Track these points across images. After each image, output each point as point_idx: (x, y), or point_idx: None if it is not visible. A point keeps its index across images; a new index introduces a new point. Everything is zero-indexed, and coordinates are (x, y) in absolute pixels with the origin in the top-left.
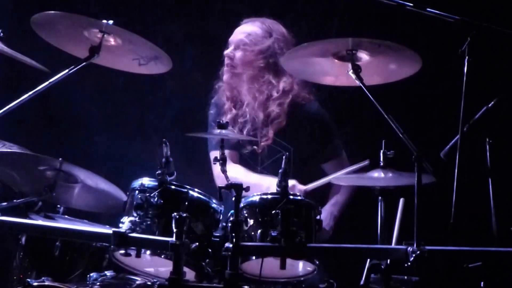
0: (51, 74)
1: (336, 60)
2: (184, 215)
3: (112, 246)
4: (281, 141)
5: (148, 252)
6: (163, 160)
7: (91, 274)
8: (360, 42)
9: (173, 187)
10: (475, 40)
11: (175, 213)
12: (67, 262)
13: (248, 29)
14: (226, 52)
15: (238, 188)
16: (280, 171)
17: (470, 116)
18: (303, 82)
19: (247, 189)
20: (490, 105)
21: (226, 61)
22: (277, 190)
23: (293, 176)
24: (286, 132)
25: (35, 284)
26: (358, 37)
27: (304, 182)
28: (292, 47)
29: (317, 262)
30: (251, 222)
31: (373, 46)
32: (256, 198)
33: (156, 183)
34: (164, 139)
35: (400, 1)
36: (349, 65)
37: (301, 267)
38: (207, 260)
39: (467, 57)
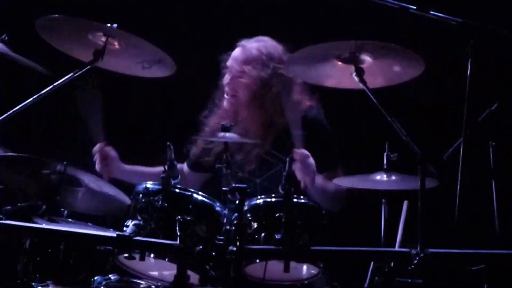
0: (55, 78)
1: (339, 63)
2: (188, 218)
3: (116, 250)
4: (276, 153)
5: (152, 255)
6: (167, 163)
7: (95, 278)
8: (363, 44)
9: (177, 190)
10: (478, 43)
11: (179, 217)
12: (71, 265)
13: (247, 55)
14: (224, 81)
15: (242, 192)
16: (283, 173)
17: (473, 118)
18: (303, 88)
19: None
20: (493, 108)
21: (226, 90)
22: (281, 193)
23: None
24: (282, 142)
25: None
26: (361, 40)
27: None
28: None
29: (321, 265)
30: (255, 225)
31: (376, 49)
32: (260, 201)
33: (160, 187)
34: (168, 143)
35: (403, 4)
36: (352, 67)
37: (305, 270)
38: (211, 263)
39: (470, 60)
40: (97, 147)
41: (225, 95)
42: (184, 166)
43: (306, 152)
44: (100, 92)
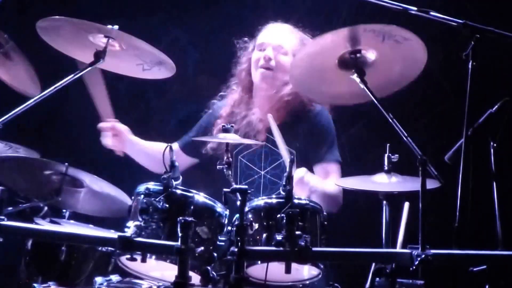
0: (57, 79)
1: (341, 71)
2: (190, 219)
3: (117, 251)
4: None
5: (153, 256)
6: (169, 164)
7: (97, 279)
8: (357, 30)
9: (178, 191)
10: (479, 44)
11: (181, 218)
12: (72, 266)
13: (286, 36)
14: (266, 54)
15: (243, 192)
16: (284, 174)
17: (474, 120)
18: None
19: None
20: (494, 109)
21: (263, 63)
22: (282, 194)
23: None
24: (286, 134)
25: None
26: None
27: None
28: None
29: (322, 266)
30: (256, 226)
31: (374, 35)
32: (261, 202)
33: (162, 188)
34: (169, 144)
35: (404, 6)
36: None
37: (306, 271)
38: (213, 264)
39: (471, 61)
40: (107, 123)
41: (258, 69)
42: (176, 145)
43: (301, 174)
44: (99, 70)
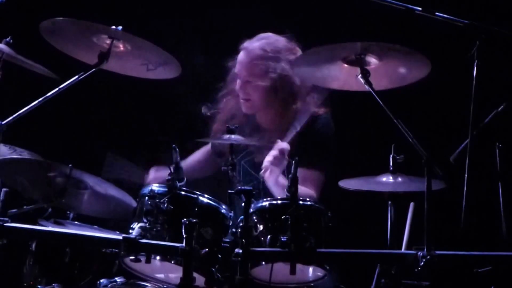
0: (61, 81)
1: (345, 65)
2: (194, 220)
3: (122, 252)
4: None
5: (158, 258)
6: (173, 166)
7: (101, 280)
8: (369, 46)
9: (182, 193)
10: (484, 44)
11: (185, 219)
12: (77, 268)
13: (251, 57)
14: (237, 87)
15: (247, 194)
16: (289, 176)
17: (479, 120)
18: (315, 93)
19: None
20: (499, 109)
21: (240, 95)
22: (286, 195)
23: None
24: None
25: None
26: (367, 41)
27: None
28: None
29: (327, 267)
30: (260, 227)
31: (382, 50)
32: (266, 204)
33: (166, 189)
34: (173, 145)
35: (409, 6)
36: (358, 69)
37: (311, 272)
38: (217, 265)
39: (476, 61)
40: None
41: (241, 100)
42: (207, 148)
43: (287, 147)
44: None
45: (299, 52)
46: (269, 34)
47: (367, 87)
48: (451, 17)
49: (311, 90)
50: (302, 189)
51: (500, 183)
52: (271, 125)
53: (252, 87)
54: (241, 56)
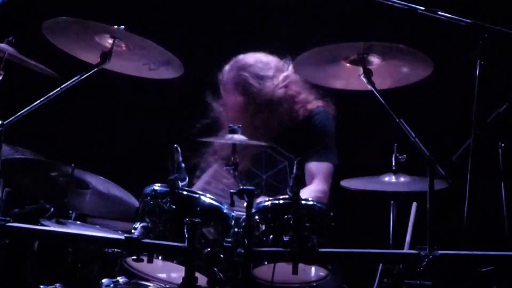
0: (63, 80)
1: (347, 64)
2: (196, 220)
3: (124, 252)
4: (281, 150)
5: (160, 257)
6: (175, 165)
7: (103, 280)
8: (371, 45)
9: (185, 192)
10: (487, 44)
11: (187, 219)
12: (79, 268)
13: (225, 86)
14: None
15: (249, 194)
16: (292, 176)
17: (482, 119)
18: (311, 87)
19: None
20: (502, 109)
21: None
22: (289, 195)
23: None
24: (287, 138)
25: None
26: (369, 41)
27: None
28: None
29: (330, 267)
30: (263, 227)
31: (385, 50)
32: (268, 203)
33: (168, 189)
34: (175, 145)
35: (411, 5)
36: (361, 69)
37: (314, 272)
38: (219, 265)
39: (479, 61)
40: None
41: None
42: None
43: None
44: None
45: (289, 71)
46: (247, 54)
47: (369, 87)
48: (453, 16)
49: (298, 99)
50: (311, 188)
51: (502, 183)
52: (256, 133)
53: (229, 112)
54: (220, 83)
